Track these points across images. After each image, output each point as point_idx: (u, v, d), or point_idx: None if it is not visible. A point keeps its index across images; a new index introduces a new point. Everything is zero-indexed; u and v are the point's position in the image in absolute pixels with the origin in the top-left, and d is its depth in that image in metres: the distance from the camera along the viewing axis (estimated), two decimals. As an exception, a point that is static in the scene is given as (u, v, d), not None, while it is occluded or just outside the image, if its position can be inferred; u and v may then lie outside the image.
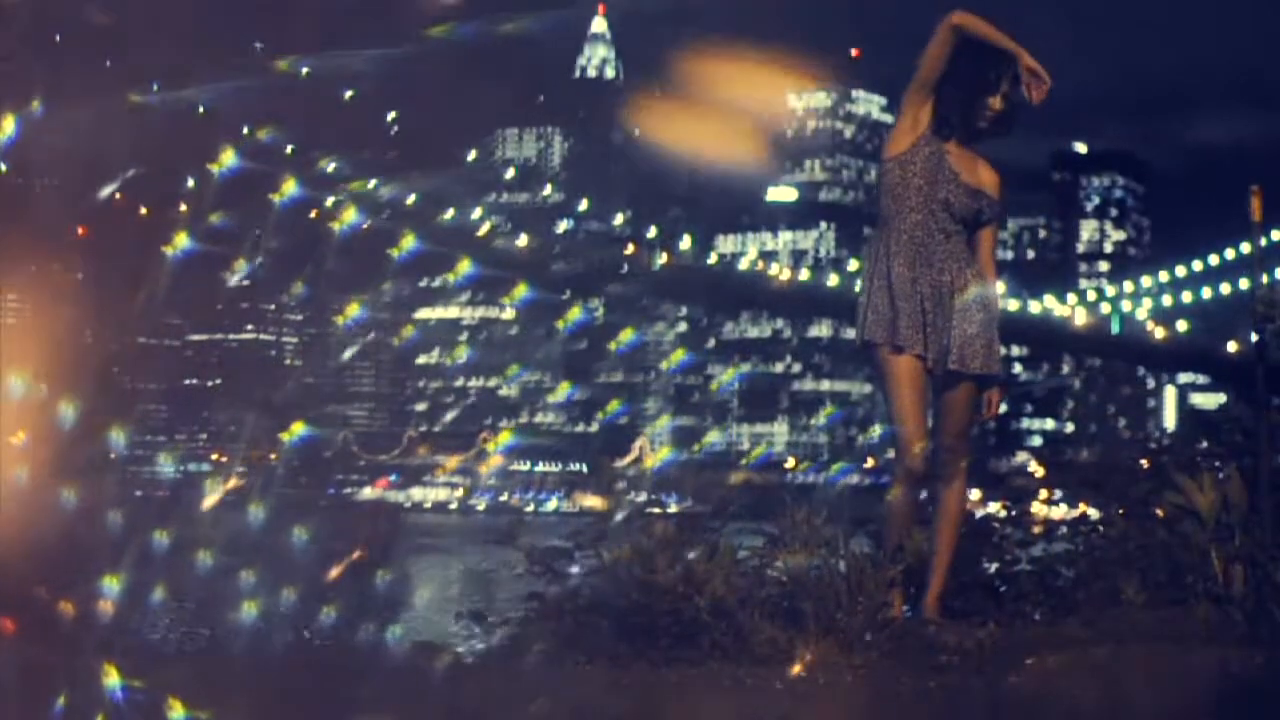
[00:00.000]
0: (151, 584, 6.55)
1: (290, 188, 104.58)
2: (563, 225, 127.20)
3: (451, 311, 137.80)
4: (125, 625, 6.37)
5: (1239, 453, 7.05)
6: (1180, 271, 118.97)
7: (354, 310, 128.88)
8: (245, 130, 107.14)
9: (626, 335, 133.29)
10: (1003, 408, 6.88)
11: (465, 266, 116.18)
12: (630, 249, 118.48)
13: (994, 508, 7.36)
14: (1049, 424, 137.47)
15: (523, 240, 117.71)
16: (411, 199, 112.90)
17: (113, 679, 5.85)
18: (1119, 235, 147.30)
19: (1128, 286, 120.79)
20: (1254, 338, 7.16)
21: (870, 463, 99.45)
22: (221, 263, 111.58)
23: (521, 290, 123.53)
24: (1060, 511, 7.51)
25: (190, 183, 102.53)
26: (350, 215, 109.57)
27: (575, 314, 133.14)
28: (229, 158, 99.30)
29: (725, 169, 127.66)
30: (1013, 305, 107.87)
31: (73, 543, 6.60)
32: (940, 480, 6.69)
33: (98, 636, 6.22)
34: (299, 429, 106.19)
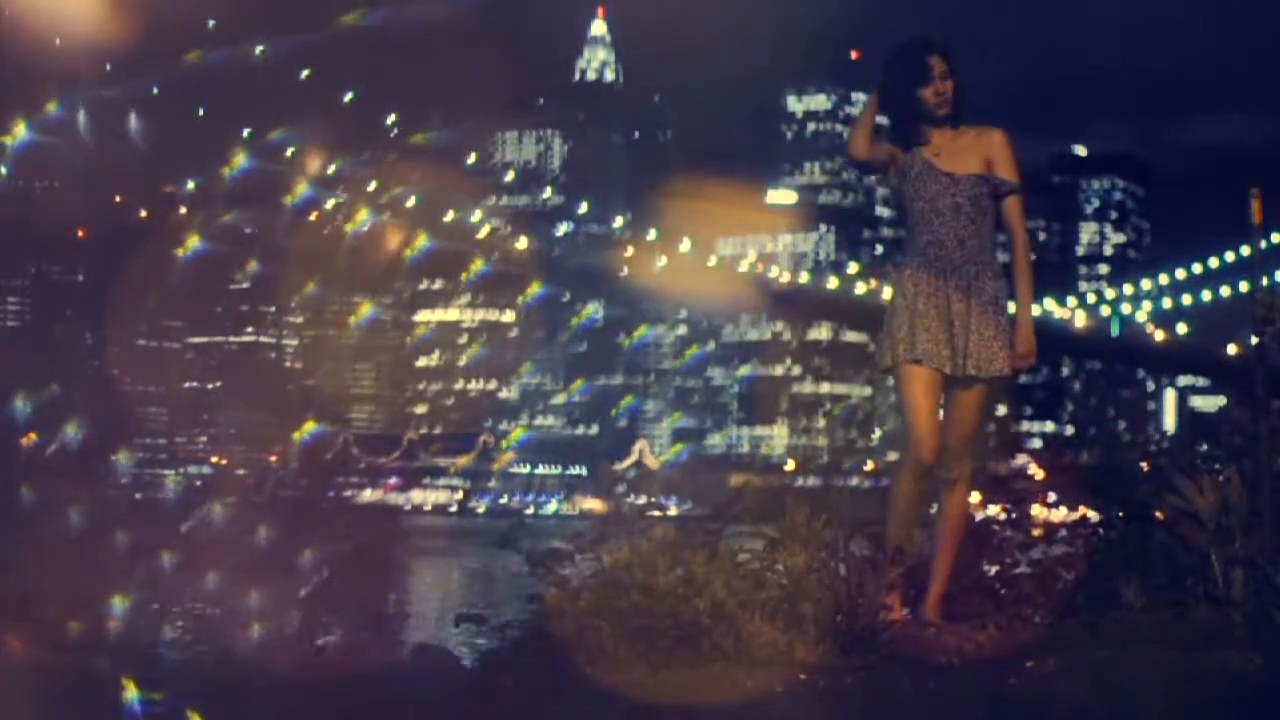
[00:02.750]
0: (152, 589, 6.56)
1: (293, 189, 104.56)
2: (563, 228, 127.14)
3: (451, 314, 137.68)
4: (129, 632, 6.37)
5: (1239, 455, 7.04)
6: (1180, 274, 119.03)
7: (359, 312, 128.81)
8: (246, 133, 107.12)
9: (641, 331, 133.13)
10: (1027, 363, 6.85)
11: (479, 266, 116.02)
12: (630, 251, 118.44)
13: (994, 510, 7.37)
14: (1049, 426, 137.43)
15: (522, 243, 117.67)
16: (411, 201, 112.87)
17: (120, 683, 5.85)
18: (1119, 238, 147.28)
19: (1127, 289, 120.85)
20: (1254, 340, 7.15)
21: (870, 466, 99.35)
22: (223, 264, 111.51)
23: (536, 288, 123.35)
24: (1060, 514, 7.51)
25: (190, 185, 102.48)
26: (352, 217, 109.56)
27: (589, 312, 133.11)
28: (238, 160, 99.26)
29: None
30: (1011, 308, 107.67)
31: (75, 547, 6.61)
32: (944, 483, 6.71)
33: (102, 640, 6.23)
34: (310, 427, 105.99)
